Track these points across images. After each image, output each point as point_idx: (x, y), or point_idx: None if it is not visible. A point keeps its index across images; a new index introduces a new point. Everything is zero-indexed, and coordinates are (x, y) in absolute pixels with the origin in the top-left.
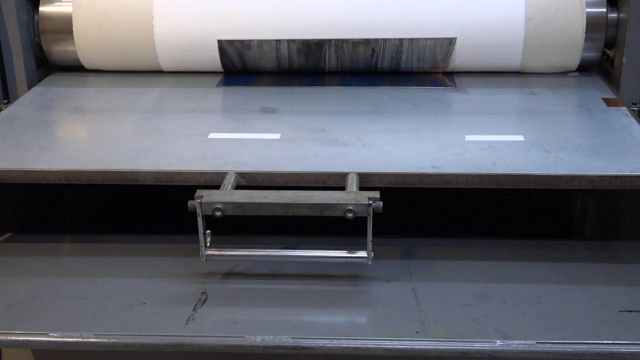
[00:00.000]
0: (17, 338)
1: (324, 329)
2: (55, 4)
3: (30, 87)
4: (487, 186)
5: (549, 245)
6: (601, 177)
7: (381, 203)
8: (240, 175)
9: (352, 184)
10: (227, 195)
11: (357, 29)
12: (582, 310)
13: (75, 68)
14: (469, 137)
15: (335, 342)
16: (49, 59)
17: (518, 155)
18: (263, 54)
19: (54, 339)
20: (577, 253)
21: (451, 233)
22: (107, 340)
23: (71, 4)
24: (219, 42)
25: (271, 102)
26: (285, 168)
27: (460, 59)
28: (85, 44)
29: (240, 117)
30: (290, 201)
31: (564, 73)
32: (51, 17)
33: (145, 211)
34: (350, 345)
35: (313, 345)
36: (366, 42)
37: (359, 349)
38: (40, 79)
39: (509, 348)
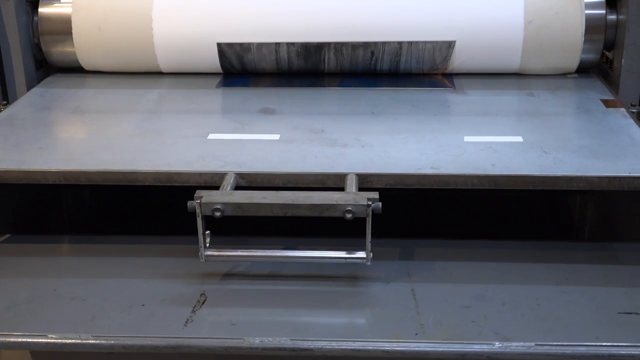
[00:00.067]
0: (15, 339)
1: (322, 331)
2: (55, 5)
3: (29, 88)
4: (485, 187)
5: (548, 247)
6: (600, 178)
7: (380, 204)
8: (240, 175)
9: (351, 184)
10: (226, 196)
11: (357, 32)
12: (581, 312)
13: (74, 69)
14: (467, 138)
15: (334, 343)
16: (48, 60)
17: (517, 156)
18: (262, 56)
19: (53, 340)
20: (576, 254)
21: (450, 234)
22: (105, 341)
23: (70, 5)
24: (219, 44)
25: (270, 103)
26: (284, 169)
27: (459, 61)
28: (85, 46)
29: (239, 118)
30: (290, 202)
31: (563, 75)
32: (50, 19)
33: (144, 213)
34: (349, 347)
35: (312, 347)
36: (365, 45)
37: (358, 350)
38: (39, 80)
39: (508, 350)
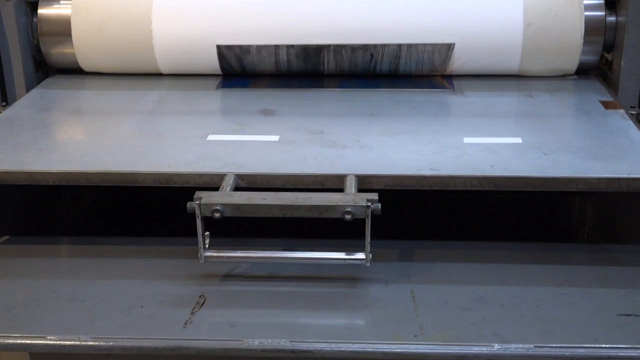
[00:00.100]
0: (14, 341)
1: (322, 332)
2: (54, 6)
3: (28, 89)
4: (485, 188)
5: (547, 248)
6: (599, 179)
7: (379, 205)
8: (239, 177)
9: (351, 185)
10: (226, 197)
11: (356, 34)
12: (580, 314)
13: (73, 70)
14: (467, 140)
15: (333, 345)
16: (47, 61)
17: (516, 157)
18: (262, 58)
19: (52, 342)
20: (575, 256)
21: (449, 236)
22: (104, 343)
23: (70, 6)
24: (218, 47)
25: (270, 104)
26: (284, 170)
27: (458, 63)
28: (84, 49)
29: (239, 119)
30: (289, 203)
31: (562, 76)
32: (50, 20)
33: (144, 214)
34: (348, 349)
35: (311, 348)
36: (365, 47)
37: (357, 352)
38: (38, 81)
39: (507, 352)
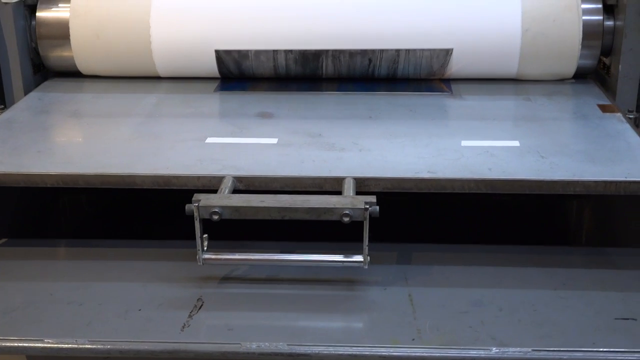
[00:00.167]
0: (12, 344)
1: (320, 335)
2: (52, 9)
3: (26, 92)
4: (482, 191)
5: (545, 252)
6: (596, 182)
7: (377, 207)
8: (238, 179)
9: (349, 188)
10: (224, 199)
11: (354, 39)
12: (578, 318)
13: (72, 73)
14: (465, 143)
15: (331, 349)
16: (45, 64)
17: (514, 160)
18: (260, 63)
19: (49, 345)
20: (573, 260)
21: (447, 239)
22: (102, 346)
23: (68, 9)
24: (217, 52)
25: (268, 107)
26: (282, 172)
27: (456, 67)
28: (83, 53)
29: (237, 121)
30: (287, 205)
31: (560, 80)
32: (48, 23)
33: (141, 218)
34: (346, 352)
35: (309, 352)
36: (363, 52)
37: (355, 356)
38: (37, 84)
39: (505, 355)
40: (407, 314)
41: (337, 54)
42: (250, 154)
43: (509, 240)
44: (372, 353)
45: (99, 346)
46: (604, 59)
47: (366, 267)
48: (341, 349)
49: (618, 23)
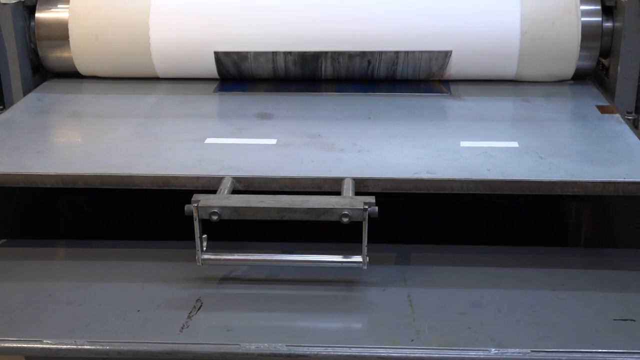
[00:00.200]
0: (10, 345)
1: (319, 336)
2: (52, 10)
3: (25, 93)
4: (481, 192)
5: (544, 253)
6: (594, 183)
7: (376, 208)
8: (237, 180)
9: (348, 189)
10: (223, 200)
11: (353, 41)
12: (576, 319)
13: (71, 74)
14: (463, 143)
15: (329, 349)
16: (44, 65)
17: (512, 161)
18: (259, 65)
19: (48, 345)
20: (572, 261)
21: (446, 240)
22: (101, 347)
23: (67, 10)
24: (216, 53)
25: (267, 107)
26: (281, 173)
27: (455, 69)
28: (82, 55)
29: (236, 122)
30: (286, 205)
31: (559, 81)
32: (47, 24)
33: (140, 218)
34: (345, 353)
35: (308, 352)
36: (362, 54)
37: (354, 357)
38: (35, 85)
39: (504, 356)
40: (406, 314)
41: (336, 55)
42: (250, 155)
43: (508, 242)
44: (371, 354)
45: (98, 347)
46: (603, 60)
47: (365, 267)
48: (340, 349)
49: (617, 24)
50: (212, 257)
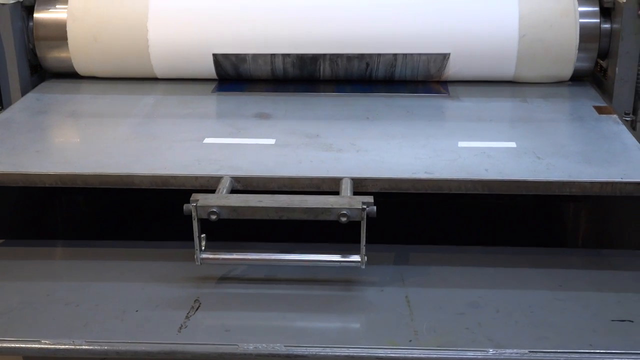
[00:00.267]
0: (8, 345)
1: (317, 336)
2: (50, 10)
3: (24, 93)
4: (479, 192)
5: (542, 253)
6: (592, 183)
7: (375, 207)
8: (236, 179)
9: (346, 188)
10: (222, 199)
11: (352, 44)
12: (574, 319)
13: (69, 75)
14: (461, 144)
15: (327, 350)
16: (43, 65)
17: (510, 161)
18: (258, 66)
19: (46, 346)
20: (570, 261)
21: (445, 240)
22: (99, 347)
23: (66, 11)
24: (214, 55)
25: (266, 108)
26: (280, 173)
27: (453, 71)
28: (81, 56)
29: (235, 122)
30: (285, 205)
31: (557, 83)
32: (45, 24)
33: (139, 219)
34: (343, 354)
35: (306, 353)
36: (360, 56)
37: (352, 357)
38: (34, 85)
39: (502, 357)
40: (404, 315)
41: (334, 58)
42: (248, 155)
43: (507, 242)
44: (369, 354)
45: (96, 347)
46: (601, 61)
47: (363, 267)
48: (338, 350)
49: (615, 26)
50: (211, 256)
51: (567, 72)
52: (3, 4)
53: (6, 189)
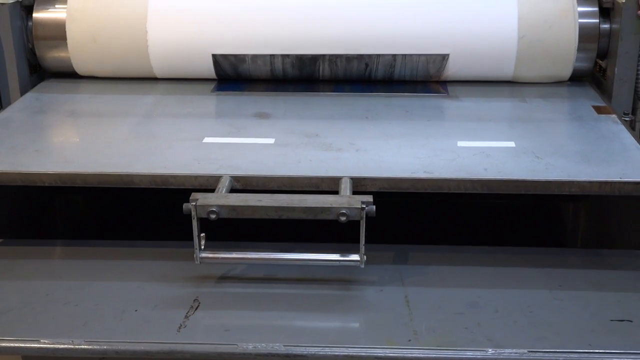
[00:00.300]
0: (7, 344)
1: (316, 336)
2: (49, 10)
3: (23, 93)
4: (478, 191)
5: (541, 253)
6: (591, 182)
7: (374, 207)
8: (235, 179)
9: (346, 188)
10: (221, 199)
11: (351, 44)
12: (573, 319)
13: (68, 74)
14: (461, 143)
15: (327, 349)
16: (42, 65)
17: (509, 161)
18: (257, 67)
19: (45, 345)
20: (569, 261)
21: (444, 240)
22: (98, 347)
23: (65, 11)
24: (214, 56)
25: (265, 107)
26: (279, 172)
27: (453, 71)
28: (80, 56)
29: (234, 122)
30: (284, 204)
31: (556, 82)
32: (45, 24)
33: (138, 218)
34: (342, 353)
35: (305, 352)
36: (360, 57)
37: (351, 357)
38: (33, 85)
39: (501, 356)
40: (403, 314)
41: (334, 58)
42: (248, 154)
43: (506, 242)
44: (368, 354)
45: (95, 346)
46: (600, 61)
47: (363, 266)
48: (337, 349)
49: (614, 26)
50: (210, 255)
51: (566, 72)
52: (2, 4)
53: (5, 188)
